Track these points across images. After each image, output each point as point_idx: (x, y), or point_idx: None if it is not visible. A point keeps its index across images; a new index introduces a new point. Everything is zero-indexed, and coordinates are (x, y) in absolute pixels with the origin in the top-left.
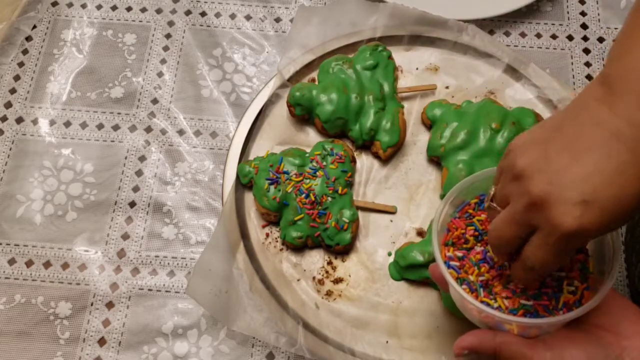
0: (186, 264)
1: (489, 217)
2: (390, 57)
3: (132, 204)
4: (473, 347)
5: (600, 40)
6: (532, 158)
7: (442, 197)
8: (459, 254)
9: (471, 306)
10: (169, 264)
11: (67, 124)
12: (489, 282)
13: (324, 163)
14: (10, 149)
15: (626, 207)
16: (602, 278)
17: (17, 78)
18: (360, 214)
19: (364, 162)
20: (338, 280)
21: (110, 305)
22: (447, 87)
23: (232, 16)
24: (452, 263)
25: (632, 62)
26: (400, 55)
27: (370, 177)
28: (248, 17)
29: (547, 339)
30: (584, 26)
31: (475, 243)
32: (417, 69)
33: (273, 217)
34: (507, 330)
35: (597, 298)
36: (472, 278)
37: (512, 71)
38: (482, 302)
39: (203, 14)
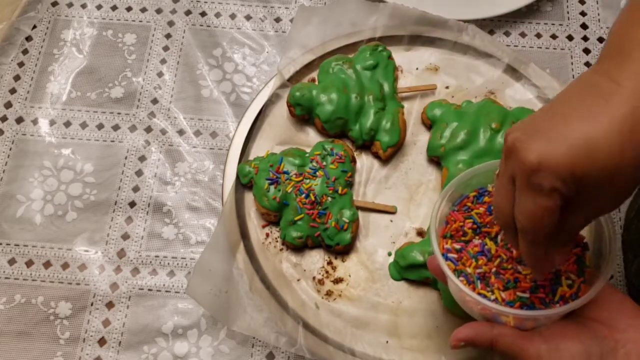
0: (186, 264)
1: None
2: (390, 57)
3: (132, 204)
4: (469, 339)
5: (600, 40)
6: (523, 122)
7: None
8: (457, 246)
9: (468, 298)
10: (169, 264)
11: (67, 124)
12: (486, 274)
13: (324, 163)
14: (10, 149)
15: (596, 150)
16: (599, 272)
17: (17, 78)
18: (360, 214)
19: (364, 162)
20: (338, 280)
21: (110, 305)
22: (447, 87)
23: (232, 16)
24: (450, 255)
25: (624, 35)
26: (400, 55)
27: (370, 177)
28: (248, 17)
29: (543, 331)
30: (584, 26)
31: (473, 236)
32: (417, 69)
33: (273, 217)
34: (504, 323)
35: (592, 291)
36: (469, 270)
37: (512, 71)
38: (479, 294)
39: (203, 14)
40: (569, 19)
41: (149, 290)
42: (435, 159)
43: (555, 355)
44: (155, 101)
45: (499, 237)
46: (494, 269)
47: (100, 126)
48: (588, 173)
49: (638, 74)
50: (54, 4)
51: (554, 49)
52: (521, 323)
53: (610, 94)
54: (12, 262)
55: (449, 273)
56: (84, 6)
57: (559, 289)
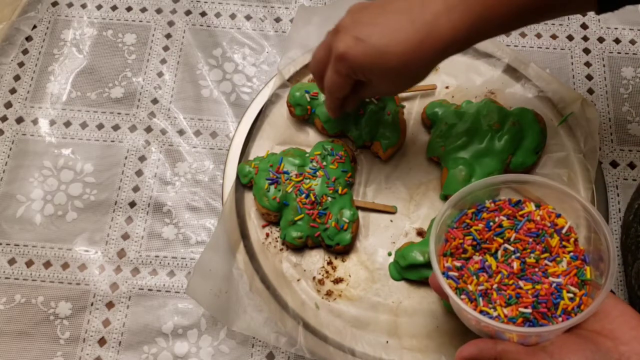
0: (186, 264)
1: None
2: None
3: (132, 204)
4: (473, 357)
5: (600, 40)
6: (359, 12)
7: (442, 197)
8: (458, 264)
9: (470, 316)
10: (169, 264)
11: (67, 124)
12: (488, 291)
13: (324, 163)
14: (10, 149)
15: (386, 55)
16: (600, 285)
17: (17, 78)
18: (360, 214)
19: (364, 162)
20: (338, 280)
21: (110, 305)
22: (447, 87)
23: (232, 16)
24: (451, 273)
25: None
26: None
27: (370, 177)
28: (248, 17)
29: (547, 346)
30: (584, 26)
31: (473, 252)
32: None
33: (273, 217)
34: (507, 339)
35: (594, 305)
36: (471, 288)
37: (512, 71)
38: (481, 311)
39: (203, 14)
40: (569, 19)
41: (149, 290)
42: (435, 159)
43: None
44: (155, 101)
45: (499, 253)
46: (495, 285)
47: (100, 126)
48: (375, 70)
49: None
50: (54, 4)
51: (554, 49)
52: (525, 339)
53: (415, 12)
54: (12, 262)
55: (450, 293)
56: (84, 6)
57: (561, 302)
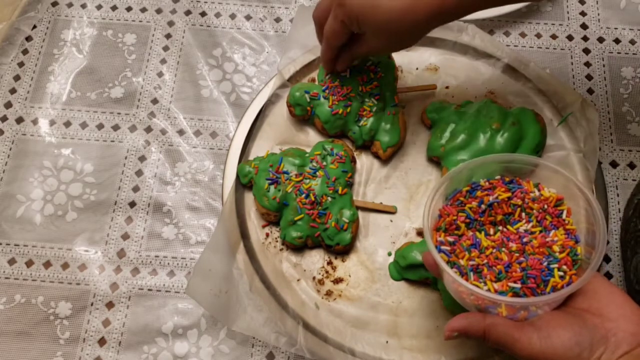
0: (186, 264)
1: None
2: (390, 57)
3: (132, 204)
4: (462, 329)
5: (600, 40)
6: None
7: None
8: (450, 239)
9: (462, 288)
10: (169, 264)
11: (67, 124)
12: (479, 266)
13: (324, 163)
14: (10, 149)
15: (377, 10)
16: (589, 263)
17: (17, 78)
18: (360, 214)
19: (364, 162)
20: (338, 280)
21: (110, 305)
22: (447, 87)
23: (232, 16)
24: (443, 247)
25: None
26: (400, 55)
27: (370, 177)
28: (248, 17)
29: (534, 321)
30: (584, 26)
31: (466, 229)
32: (417, 69)
33: (273, 217)
34: (497, 313)
35: (582, 279)
36: (462, 262)
37: (512, 71)
38: (471, 285)
39: (203, 14)
40: (569, 19)
41: (149, 290)
42: (435, 159)
43: (546, 344)
44: (155, 101)
45: (492, 230)
46: (486, 261)
47: (100, 126)
48: (367, 21)
49: None
50: (54, 4)
51: (554, 49)
52: (513, 313)
53: None
54: (12, 262)
55: (442, 263)
56: (84, 6)
57: (551, 280)
